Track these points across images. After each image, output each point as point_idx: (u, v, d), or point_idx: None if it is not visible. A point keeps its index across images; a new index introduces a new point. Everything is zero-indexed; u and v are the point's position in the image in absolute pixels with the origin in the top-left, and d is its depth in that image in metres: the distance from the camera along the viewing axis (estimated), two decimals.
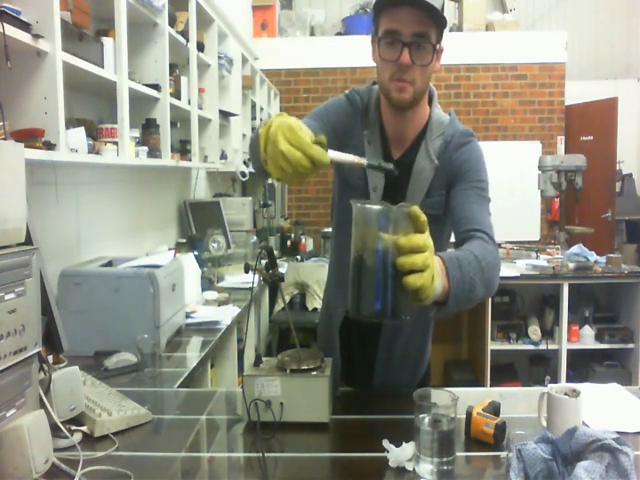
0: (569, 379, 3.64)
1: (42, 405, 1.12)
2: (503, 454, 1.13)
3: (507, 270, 3.65)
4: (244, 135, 4.36)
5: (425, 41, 1.25)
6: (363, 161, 1.02)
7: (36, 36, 1.50)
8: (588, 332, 3.73)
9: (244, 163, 4.21)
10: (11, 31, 1.40)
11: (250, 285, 1.30)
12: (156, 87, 2.43)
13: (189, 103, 2.90)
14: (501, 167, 5.96)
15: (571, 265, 3.67)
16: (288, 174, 0.95)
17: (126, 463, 1.11)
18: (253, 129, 4.69)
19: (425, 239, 0.93)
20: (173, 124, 2.68)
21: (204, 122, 3.37)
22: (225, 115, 3.75)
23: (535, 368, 3.92)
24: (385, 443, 1.13)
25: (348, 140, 1.41)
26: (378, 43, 1.29)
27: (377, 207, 0.94)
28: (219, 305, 2.54)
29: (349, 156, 1.02)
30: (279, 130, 0.94)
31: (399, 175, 1.36)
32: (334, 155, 0.99)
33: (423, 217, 0.94)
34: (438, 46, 1.29)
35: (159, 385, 1.65)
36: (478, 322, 3.78)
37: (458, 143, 1.39)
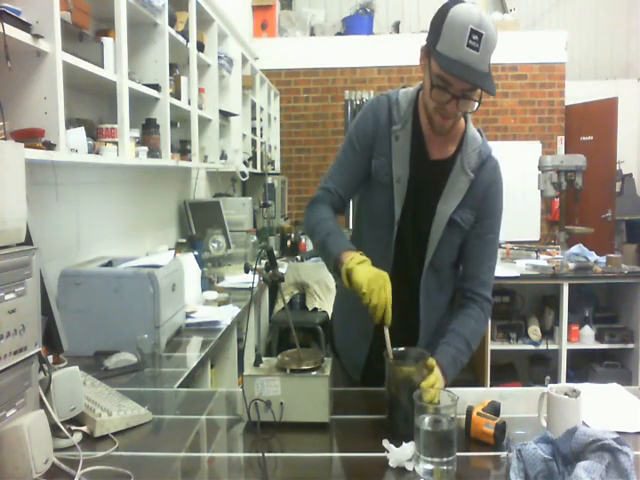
0: (569, 379, 3.63)
1: (42, 405, 1.12)
2: (503, 454, 1.13)
3: (507, 270, 3.64)
4: (244, 135, 4.36)
5: (472, 94, 1.34)
6: (391, 352, 1.29)
7: (36, 36, 1.50)
8: (588, 332, 3.72)
9: (244, 163, 4.21)
10: (11, 31, 1.40)
11: (250, 285, 1.31)
12: (156, 87, 2.42)
13: (189, 103, 2.90)
14: (501, 167, 5.94)
15: (571, 265, 3.67)
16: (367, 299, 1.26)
17: (126, 463, 1.11)
18: (253, 129, 4.69)
19: (437, 380, 1.26)
20: (173, 124, 2.68)
21: (204, 122, 3.37)
22: (225, 115, 3.75)
23: (535, 368, 3.91)
24: (385, 443, 1.13)
25: (375, 142, 1.49)
26: (430, 71, 1.35)
27: (407, 368, 1.27)
28: (219, 305, 2.54)
29: (388, 343, 1.29)
30: (387, 284, 1.28)
31: (434, 177, 1.48)
32: (387, 332, 1.29)
33: (434, 365, 1.27)
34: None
35: (159, 385, 1.64)
36: None
37: (491, 169, 1.51)
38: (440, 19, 1.29)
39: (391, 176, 1.46)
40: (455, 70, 1.27)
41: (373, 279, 1.26)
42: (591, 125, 6.18)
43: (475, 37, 1.24)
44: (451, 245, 1.49)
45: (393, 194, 1.46)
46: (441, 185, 1.46)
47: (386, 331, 1.28)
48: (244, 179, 4.08)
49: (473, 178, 1.46)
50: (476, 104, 1.36)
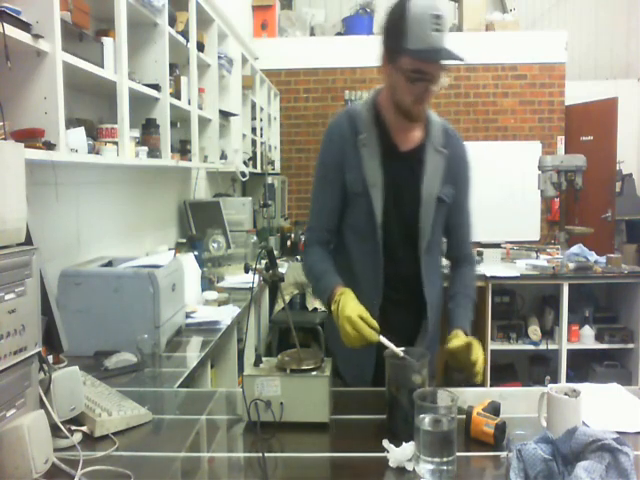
0: (569, 379, 3.63)
1: (42, 405, 1.12)
2: (503, 454, 1.13)
3: (507, 270, 3.65)
4: (244, 135, 4.36)
5: (444, 73, 1.41)
6: (399, 351, 1.28)
7: (36, 36, 1.50)
8: (588, 332, 3.72)
9: (244, 163, 4.21)
10: (11, 31, 1.40)
11: (250, 285, 1.31)
12: (156, 87, 2.42)
13: (189, 103, 2.90)
14: (501, 167, 5.96)
15: (571, 265, 3.67)
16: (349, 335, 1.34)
17: (126, 463, 1.11)
18: (253, 129, 4.69)
19: (478, 354, 1.38)
20: (173, 124, 2.68)
21: (204, 122, 3.37)
22: (225, 115, 3.74)
23: (535, 368, 3.91)
24: (385, 443, 1.13)
25: (344, 159, 1.52)
26: (402, 70, 1.39)
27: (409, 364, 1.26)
28: (219, 305, 2.54)
29: (391, 345, 1.29)
30: (353, 313, 1.33)
31: (412, 169, 1.52)
32: (382, 339, 1.32)
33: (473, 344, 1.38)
34: None
35: (159, 385, 1.64)
36: (478, 322, 3.77)
37: (455, 135, 1.59)
38: (399, 18, 1.34)
39: (366, 184, 1.48)
40: (432, 56, 1.34)
41: (343, 326, 1.34)
42: (591, 125, 6.18)
43: (437, 20, 1.31)
44: (439, 224, 1.57)
45: (371, 200, 1.48)
46: (418, 173, 1.51)
47: (381, 338, 1.32)
48: (244, 179, 4.08)
49: (447, 154, 1.53)
50: (446, 79, 1.42)
